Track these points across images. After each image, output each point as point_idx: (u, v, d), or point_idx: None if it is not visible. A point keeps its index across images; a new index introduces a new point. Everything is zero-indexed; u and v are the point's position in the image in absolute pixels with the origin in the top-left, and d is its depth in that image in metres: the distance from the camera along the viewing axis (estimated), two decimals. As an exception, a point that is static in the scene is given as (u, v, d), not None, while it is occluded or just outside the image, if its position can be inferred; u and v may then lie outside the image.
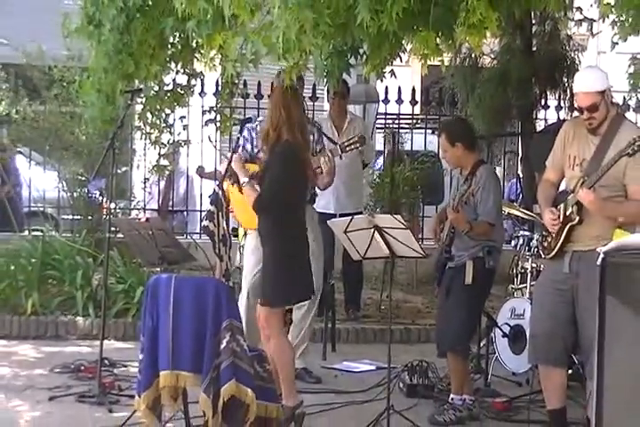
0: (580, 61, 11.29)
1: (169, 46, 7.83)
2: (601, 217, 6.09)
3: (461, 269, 7.23)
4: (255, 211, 6.88)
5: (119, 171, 11.12)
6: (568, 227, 6.20)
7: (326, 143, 8.38)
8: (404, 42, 7.10)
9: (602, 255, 5.08)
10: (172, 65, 8.31)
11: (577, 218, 6.15)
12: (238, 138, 7.67)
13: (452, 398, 7.29)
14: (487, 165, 7.58)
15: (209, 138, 10.18)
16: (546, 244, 6.41)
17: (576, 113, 6.50)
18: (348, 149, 8.04)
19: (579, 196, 6.04)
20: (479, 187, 7.14)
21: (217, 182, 7.55)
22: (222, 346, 5.90)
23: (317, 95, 11.67)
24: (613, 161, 5.97)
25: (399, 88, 11.82)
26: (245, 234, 8.12)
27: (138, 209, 11.96)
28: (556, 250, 6.29)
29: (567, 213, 6.20)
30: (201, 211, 11.88)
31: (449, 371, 7.49)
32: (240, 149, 7.72)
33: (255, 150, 7.85)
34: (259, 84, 11.14)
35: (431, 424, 7.03)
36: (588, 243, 6.06)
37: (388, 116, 13.09)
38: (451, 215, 7.14)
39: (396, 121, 13.35)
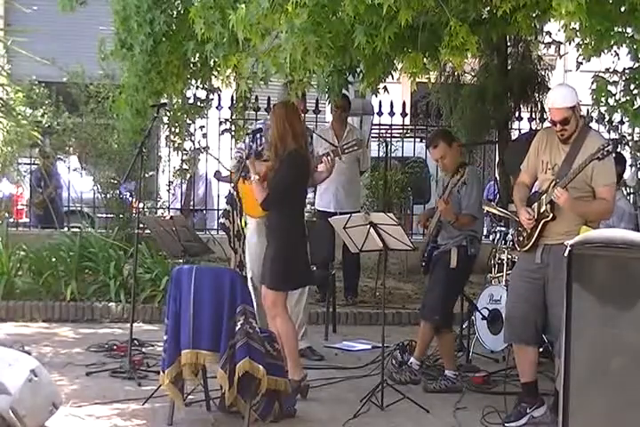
0: (549, 79, 11.29)
1: (190, 66, 7.83)
2: (570, 215, 6.09)
3: (446, 254, 7.25)
4: (262, 208, 6.91)
5: (147, 175, 11.10)
6: (542, 223, 6.20)
7: (327, 146, 8.34)
8: (395, 62, 7.12)
9: (568, 248, 5.10)
10: (193, 82, 8.32)
11: (550, 215, 6.16)
12: (251, 146, 7.66)
13: (412, 362, 7.32)
14: (471, 166, 7.57)
15: (207, 150, 10.21)
16: (521, 238, 6.41)
17: (547, 123, 6.51)
18: (347, 150, 8.01)
19: (554, 195, 6.04)
20: (464, 183, 7.12)
21: (232, 185, 7.55)
22: (237, 328, 5.91)
23: (320, 108, 11.66)
24: (584, 164, 5.97)
25: (391, 102, 11.81)
26: (246, 224, 8.03)
27: (163, 208, 11.95)
28: (530, 244, 6.29)
29: (541, 211, 6.20)
30: (218, 210, 11.86)
31: (418, 338, 7.46)
32: (253, 153, 7.66)
33: (259, 148, 7.78)
34: (268, 98, 11.12)
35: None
36: (557, 237, 6.06)
37: (381, 127, 13.11)
38: (440, 206, 7.14)
39: (389, 131, 13.35)
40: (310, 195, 11.80)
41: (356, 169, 10.16)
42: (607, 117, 9.42)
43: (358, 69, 7.22)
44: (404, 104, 12.10)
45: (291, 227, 6.88)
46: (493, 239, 9.01)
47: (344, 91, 7.30)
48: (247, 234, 7.90)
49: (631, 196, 11.50)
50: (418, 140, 13.20)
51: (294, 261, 6.87)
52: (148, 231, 8.26)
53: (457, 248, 7.24)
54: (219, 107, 10.97)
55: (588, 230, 5.75)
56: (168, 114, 8.91)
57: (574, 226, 6.01)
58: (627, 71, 6.88)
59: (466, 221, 7.21)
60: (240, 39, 5.85)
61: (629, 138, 11.41)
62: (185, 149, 9.68)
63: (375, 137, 13.01)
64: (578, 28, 6.06)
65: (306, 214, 8.34)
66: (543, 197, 6.22)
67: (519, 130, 12.08)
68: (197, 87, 8.72)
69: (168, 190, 11.79)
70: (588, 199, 6.17)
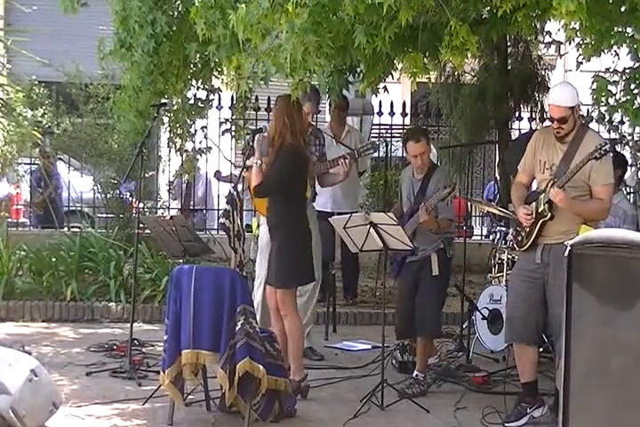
0: (549, 79, 11.29)
1: (191, 66, 7.83)
2: (569, 214, 6.10)
3: (426, 261, 7.18)
4: (255, 194, 6.93)
5: (147, 175, 11.11)
6: (540, 222, 6.20)
7: (342, 148, 8.38)
8: (395, 62, 7.12)
9: (569, 248, 5.09)
10: (193, 82, 8.32)
11: (549, 214, 6.16)
12: (252, 146, 7.66)
13: (417, 375, 7.24)
14: (441, 167, 7.55)
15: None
16: (520, 238, 6.41)
17: (547, 123, 6.52)
18: (363, 154, 8.04)
19: (550, 194, 6.05)
20: (439, 187, 7.09)
21: (232, 184, 7.54)
22: (237, 328, 5.92)
23: (320, 108, 11.64)
24: (582, 164, 5.97)
25: (391, 102, 11.82)
26: (258, 225, 8.06)
27: (163, 208, 11.96)
28: (529, 243, 6.29)
29: (539, 211, 6.21)
30: (218, 210, 11.87)
31: (418, 352, 7.36)
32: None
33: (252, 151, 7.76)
34: (269, 98, 11.13)
35: (399, 397, 6.96)
36: (556, 237, 6.09)
37: (381, 127, 13.11)
38: (424, 217, 7.00)
39: (389, 131, 13.35)
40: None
41: (355, 170, 10.12)
42: (607, 117, 9.42)
43: (358, 69, 7.22)
44: (404, 104, 12.11)
45: (293, 224, 6.89)
46: (493, 239, 9.01)
47: (344, 91, 7.29)
48: (260, 235, 7.89)
49: (631, 196, 11.49)
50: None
51: (299, 258, 6.88)
52: (148, 231, 8.26)
53: (436, 253, 7.20)
54: (219, 107, 10.97)
55: (588, 230, 5.76)
56: (169, 114, 8.92)
57: (574, 225, 6.02)
58: (627, 71, 6.88)
59: (445, 225, 7.16)
60: (241, 40, 5.85)
61: (629, 138, 11.41)
62: (187, 150, 9.68)
63: (375, 137, 13.01)
64: (578, 28, 6.07)
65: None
66: (541, 196, 6.22)
67: (519, 130, 12.07)
68: (198, 88, 8.72)
69: (168, 190, 11.80)
70: (585, 198, 6.18)
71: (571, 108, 6.12)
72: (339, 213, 8.35)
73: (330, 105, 9.79)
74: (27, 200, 12.80)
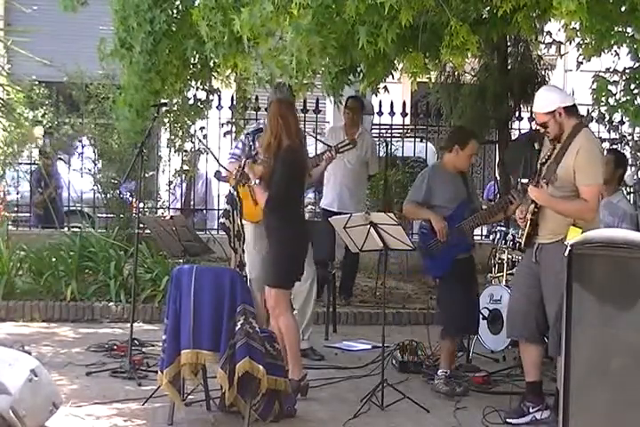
0: (549, 78, 11.28)
1: (190, 66, 7.84)
2: (557, 214, 6.12)
3: (468, 259, 7.35)
4: (267, 209, 6.90)
5: (147, 175, 11.11)
6: (529, 220, 6.25)
7: (320, 146, 8.36)
8: (396, 62, 7.12)
9: (569, 248, 5.10)
10: (193, 82, 8.33)
11: (533, 212, 6.22)
12: (250, 146, 7.66)
13: (446, 371, 7.26)
14: None
15: (207, 150, 10.20)
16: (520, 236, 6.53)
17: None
18: (341, 149, 7.99)
19: (529, 191, 6.13)
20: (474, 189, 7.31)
21: (232, 185, 7.55)
22: (237, 328, 5.91)
23: (320, 108, 11.65)
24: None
25: (392, 102, 11.81)
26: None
27: (163, 208, 11.96)
28: (523, 241, 6.36)
29: (529, 209, 6.26)
30: (218, 210, 11.86)
31: (443, 351, 7.41)
32: (251, 157, 7.63)
33: (252, 153, 7.74)
34: (269, 98, 11.13)
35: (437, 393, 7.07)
36: (548, 237, 6.19)
37: (381, 127, 13.09)
38: (500, 217, 7.36)
39: (389, 131, 13.34)
40: (311, 195, 11.78)
41: (364, 172, 10.12)
42: (607, 117, 9.43)
43: (359, 69, 7.23)
44: (404, 104, 12.10)
45: (288, 224, 6.87)
46: (493, 239, 9.00)
47: (353, 92, 7.30)
48: (247, 239, 7.88)
49: (631, 196, 11.49)
50: (418, 140, 13.20)
51: (294, 258, 6.87)
52: (148, 231, 8.26)
53: None
54: (219, 107, 10.97)
55: (577, 231, 5.79)
56: (168, 115, 8.92)
57: (564, 225, 6.05)
58: (627, 71, 6.89)
59: None
60: (245, 41, 5.86)
61: (629, 138, 11.41)
62: (185, 151, 9.68)
63: (375, 137, 13.00)
64: (578, 28, 6.08)
65: (307, 215, 8.34)
66: None
67: (519, 130, 12.07)
68: (197, 88, 8.73)
69: (168, 190, 11.79)
70: (572, 199, 6.19)
71: (550, 113, 6.12)
72: (343, 213, 8.35)
73: (345, 107, 9.67)
74: (5, 199, 12.68)
